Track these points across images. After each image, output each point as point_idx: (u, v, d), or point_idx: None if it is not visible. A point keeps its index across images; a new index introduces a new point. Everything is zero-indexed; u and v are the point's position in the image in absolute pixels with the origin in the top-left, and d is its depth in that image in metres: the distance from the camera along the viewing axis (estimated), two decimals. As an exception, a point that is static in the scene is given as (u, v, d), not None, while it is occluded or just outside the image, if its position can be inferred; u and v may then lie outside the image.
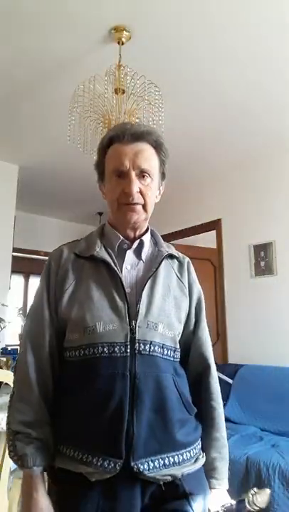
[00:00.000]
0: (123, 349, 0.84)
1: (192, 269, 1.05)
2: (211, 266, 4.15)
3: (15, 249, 4.06)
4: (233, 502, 0.86)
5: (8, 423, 0.89)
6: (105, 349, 0.84)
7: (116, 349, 0.84)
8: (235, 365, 3.19)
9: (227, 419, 3.40)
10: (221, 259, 3.84)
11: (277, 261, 3.36)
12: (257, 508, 0.81)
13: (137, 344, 0.85)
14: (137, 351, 0.85)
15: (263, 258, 3.46)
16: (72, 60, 2.36)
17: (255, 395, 2.96)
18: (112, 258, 0.93)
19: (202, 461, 0.92)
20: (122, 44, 2.14)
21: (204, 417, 0.97)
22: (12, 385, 0.94)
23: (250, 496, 0.82)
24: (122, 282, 0.90)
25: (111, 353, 0.84)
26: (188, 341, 1.00)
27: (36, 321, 0.93)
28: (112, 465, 0.79)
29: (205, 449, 0.95)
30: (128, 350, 0.84)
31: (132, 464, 0.79)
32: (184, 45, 2.22)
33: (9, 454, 0.88)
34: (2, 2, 1.94)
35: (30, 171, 4.00)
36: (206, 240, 4.18)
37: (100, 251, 0.94)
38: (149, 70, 2.13)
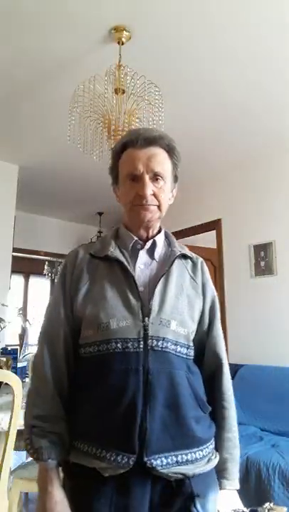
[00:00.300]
0: (136, 345, 0.86)
1: (206, 269, 1.07)
2: (211, 266, 4.15)
3: (15, 249, 4.06)
4: (246, 510, 0.86)
5: (24, 417, 0.92)
6: (119, 345, 0.86)
7: (129, 345, 0.86)
8: (235, 365, 3.19)
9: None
10: (221, 259, 3.84)
11: (277, 261, 3.36)
12: None
13: (150, 340, 0.87)
14: (150, 347, 0.86)
15: (263, 258, 3.46)
16: (72, 60, 2.36)
17: (255, 395, 2.96)
18: (125, 258, 0.96)
19: (214, 461, 0.92)
20: (122, 44, 2.14)
21: (216, 417, 0.97)
22: (30, 382, 0.97)
23: (266, 510, 0.82)
24: (135, 281, 0.92)
25: (124, 348, 0.86)
26: (203, 340, 1.01)
27: (52, 320, 0.96)
28: (126, 460, 0.80)
29: (216, 449, 0.95)
30: (141, 346, 0.86)
31: (145, 459, 0.80)
32: (184, 45, 2.22)
33: (26, 447, 0.90)
34: (2, 2, 1.94)
35: (30, 171, 4.00)
36: (206, 240, 4.18)
37: (114, 251, 0.97)
38: (149, 70, 2.13)
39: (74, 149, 2.35)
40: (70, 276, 0.97)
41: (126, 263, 0.94)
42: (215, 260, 3.99)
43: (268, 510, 0.82)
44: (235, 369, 3.17)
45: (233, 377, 3.48)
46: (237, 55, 2.30)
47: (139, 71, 2.05)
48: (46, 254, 5.73)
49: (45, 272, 6.50)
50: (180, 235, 4.16)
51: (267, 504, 0.83)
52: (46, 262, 6.39)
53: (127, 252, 0.98)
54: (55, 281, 1.02)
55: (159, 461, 0.81)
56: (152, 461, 0.80)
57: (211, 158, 3.65)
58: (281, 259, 3.34)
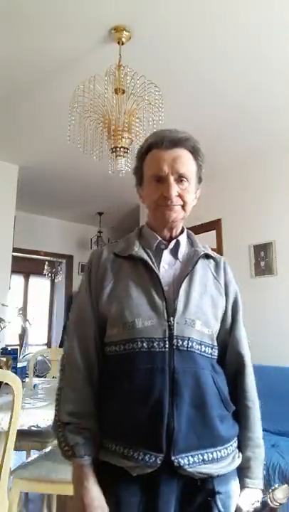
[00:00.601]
0: (162, 344, 0.87)
1: (229, 269, 1.07)
2: (211, 266, 4.15)
3: (15, 249, 4.06)
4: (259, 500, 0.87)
5: (56, 415, 0.93)
6: (144, 344, 0.87)
7: (155, 344, 0.87)
8: (235, 365, 3.18)
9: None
10: (221, 259, 3.84)
11: (277, 261, 3.36)
12: (277, 504, 0.82)
13: (175, 340, 0.87)
14: (175, 347, 0.87)
15: (263, 258, 3.46)
16: (72, 60, 2.36)
17: (255, 395, 2.95)
18: (150, 257, 0.97)
19: (238, 461, 0.92)
20: (122, 44, 2.14)
21: (239, 417, 0.97)
22: (60, 379, 0.97)
23: (271, 492, 0.83)
24: (160, 280, 0.93)
25: (150, 348, 0.87)
26: (226, 340, 1.01)
27: (81, 317, 0.98)
28: (153, 459, 0.81)
29: (239, 448, 0.95)
30: (166, 346, 0.86)
31: (173, 458, 0.81)
32: (184, 45, 2.22)
33: (59, 445, 0.90)
34: (2, 2, 1.94)
35: (30, 171, 4.00)
36: (206, 240, 4.17)
37: (139, 250, 0.97)
38: (149, 70, 2.13)
39: (74, 149, 2.35)
40: (94, 275, 0.98)
41: (150, 262, 0.95)
42: (215, 260, 3.99)
43: (272, 491, 0.83)
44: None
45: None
46: (237, 55, 2.30)
47: (139, 71, 2.05)
48: (46, 254, 5.73)
49: (45, 272, 6.50)
50: (180, 235, 4.15)
51: (272, 486, 0.85)
52: (46, 262, 6.39)
53: (151, 251, 0.99)
54: (81, 279, 1.04)
55: (186, 460, 0.81)
56: (180, 459, 0.81)
57: (210, 158, 3.62)
58: (281, 259, 3.34)
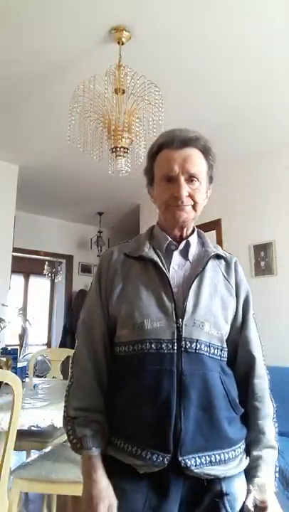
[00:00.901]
0: (170, 346, 0.87)
1: (240, 268, 1.06)
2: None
3: (15, 249, 4.06)
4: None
5: (65, 411, 0.94)
6: (153, 345, 0.87)
7: (163, 345, 0.87)
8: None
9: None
10: (221, 259, 3.84)
11: (277, 261, 3.36)
12: (265, 501, 0.82)
13: (184, 342, 0.87)
14: (183, 349, 0.87)
15: (263, 258, 3.46)
16: (72, 60, 2.36)
17: (255, 395, 2.95)
18: (160, 258, 0.96)
19: (245, 463, 0.91)
20: (122, 44, 2.14)
21: (247, 418, 0.96)
22: (70, 377, 0.98)
23: (254, 498, 0.83)
24: (169, 282, 0.92)
25: (158, 349, 0.87)
26: (236, 341, 1.00)
27: (91, 318, 0.99)
28: (161, 459, 0.81)
29: (248, 449, 0.94)
30: (175, 348, 0.87)
31: (180, 458, 0.81)
32: (184, 45, 2.22)
33: (68, 438, 0.92)
34: (2, 2, 1.94)
35: (30, 171, 4.00)
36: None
37: (149, 251, 0.97)
38: (149, 70, 2.13)
39: (74, 149, 2.35)
40: (105, 275, 0.99)
41: (160, 264, 0.95)
42: (215, 260, 3.99)
43: (254, 498, 0.83)
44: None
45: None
46: (237, 55, 2.30)
47: (139, 71, 2.05)
48: (46, 254, 5.73)
49: (45, 272, 6.50)
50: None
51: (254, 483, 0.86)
52: (46, 262, 6.39)
53: (161, 252, 0.98)
54: (92, 280, 1.05)
55: (193, 461, 0.82)
56: (186, 460, 0.81)
57: (211, 158, 3.65)
58: (281, 259, 3.34)
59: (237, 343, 1.00)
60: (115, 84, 2.10)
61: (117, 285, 0.96)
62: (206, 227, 4.05)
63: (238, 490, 0.88)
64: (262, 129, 3.13)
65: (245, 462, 0.92)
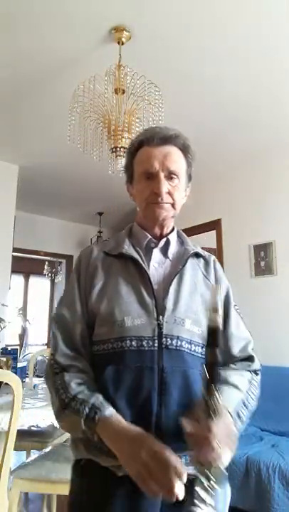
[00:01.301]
0: (151, 343, 0.86)
1: (218, 266, 1.07)
2: (211, 266, 4.15)
3: (15, 249, 4.06)
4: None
5: (59, 399, 0.86)
6: (133, 343, 0.86)
7: (144, 343, 0.86)
8: (235, 365, 3.18)
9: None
10: (221, 259, 3.84)
11: (277, 261, 3.36)
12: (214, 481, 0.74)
13: (164, 339, 0.87)
14: (164, 346, 0.86)
15: (263, 258, 3.47)
16: (72, 60, 2.36)
17: (255, 395, 2.95)
18: (140, 255, 0.96)
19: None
20: (122, 44, 2.14)
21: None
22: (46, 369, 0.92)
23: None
24: (149, 279, 0.92)
25: (139, 346, 0.86)
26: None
27: (68, 315, 0.94)
28: None
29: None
30: (156, 345, 0.86)
31: None
32: (184, 45, 2.22)
33: (79, 415, 0.81)
34: (2, 2, 1.94)
35: (30, 171, 4.00)
36: (206, 240, 4.18)
37: (129, 249, 0.97)
38: (149, 70, 2.13)
39: (74, 149, 2.35)
40: (84, 272, 0.97)
41: (140, 261, 0.94)
42: (215, 260, 3.99)
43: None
44: (235, 369, 3.16)
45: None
46: (237, 55, 2.30)
47: (139, 71, 2.05)
48: (46, 254, 5.73)
49: (45, 272, 6.51)
50: (180, 235, 4.14)
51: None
52: (46, 262, 6.40)
53: (141, 250, 0.98)
54: (70, 278, 1.02)
55: None
56: None
57: (211, 158, 3.65)
58: (281, 259, 3.34)
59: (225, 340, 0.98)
60: (115, 84, 2.10)
61: (97, 283, 0.94)
62: (206, 227, 4.06)
63: (221, 490, 0.85)
64: (262, 128, 3.13)
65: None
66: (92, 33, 2.14)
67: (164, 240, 1.00)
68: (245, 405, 0.91)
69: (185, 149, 0.99)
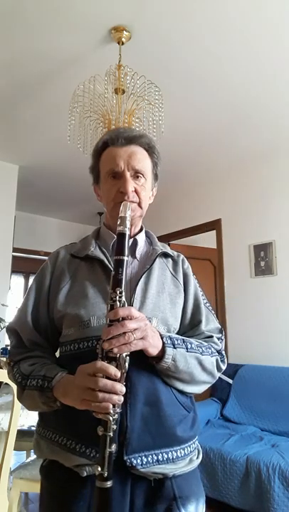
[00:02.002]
0: None
1: (187, 264, 1.07)
2: (211, 266, 4.15)
3: (15, 249, 4.06)
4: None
5: (16, 378, 0.92)
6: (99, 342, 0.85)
7: None
8: (235, 365, 3.19)
9: (227, 419, 3.36)
10: (221, 259, 3.84)
11: (277, 261, 3.36)
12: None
13: None
14: None
15: (262, 258, 3.47)
16: (72, 60, 2.36)
17: (255, 395, 2.96)
18: (106, 256, 0.96)
19: (196, 462, 0.90)
20: (122, 44, 2.14)
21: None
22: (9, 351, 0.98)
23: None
24: None
25: None
26: (190, 335, 0.99)
27: (19, 318, 0.99)
28: None
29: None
30: None
31: (125, 457, 0.79)
32: (184, 45, 2.22)
33: (34, 389, 0.86)
34: (2, 2, 1.94)
35: (30, 171, 4.00)
36: (206, 240, 4.18)
37: (95, 250, 0.97)
38: (149, 70, 2.14)
39: (74, 149, 2.35)
40: (49, 276, 0.99)
41: (106, 261, 0.94)
42: (215, 260, 3.99)
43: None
44: (235, 369, 3.17)
45: (233, 378, 3.48)
46: (237, 55, 2.30)
47: (139, 71, 2.05)
48: (46, 254, 5.72)
49: (45, 271, 6.50)
50: (180, 235, 4.16)
51: None
52: (46, 262, 6.39)
53: (107, 251, 0.98)
54: (33, 280, 1.04)
55: (139, 460, 0.79)
56: (132, 459, 0.79)
57: (211, 158, 3.65)
58: (281, 259, 3.34)
59: (191, 336, 0.98)
60: (115, 84, 2.10)
61: (63, 286, 0.95)
62: (206, 227, 4.06)
63: (189, 490, 0.86)
64: (262, 129, 3.13)
65: (197, 462, 0.90)
66: (92, 33, 2.14)
67: (132, 240, 1.00)
68: (184, 341, 0.90)
69: (150, 149, 0.99)
